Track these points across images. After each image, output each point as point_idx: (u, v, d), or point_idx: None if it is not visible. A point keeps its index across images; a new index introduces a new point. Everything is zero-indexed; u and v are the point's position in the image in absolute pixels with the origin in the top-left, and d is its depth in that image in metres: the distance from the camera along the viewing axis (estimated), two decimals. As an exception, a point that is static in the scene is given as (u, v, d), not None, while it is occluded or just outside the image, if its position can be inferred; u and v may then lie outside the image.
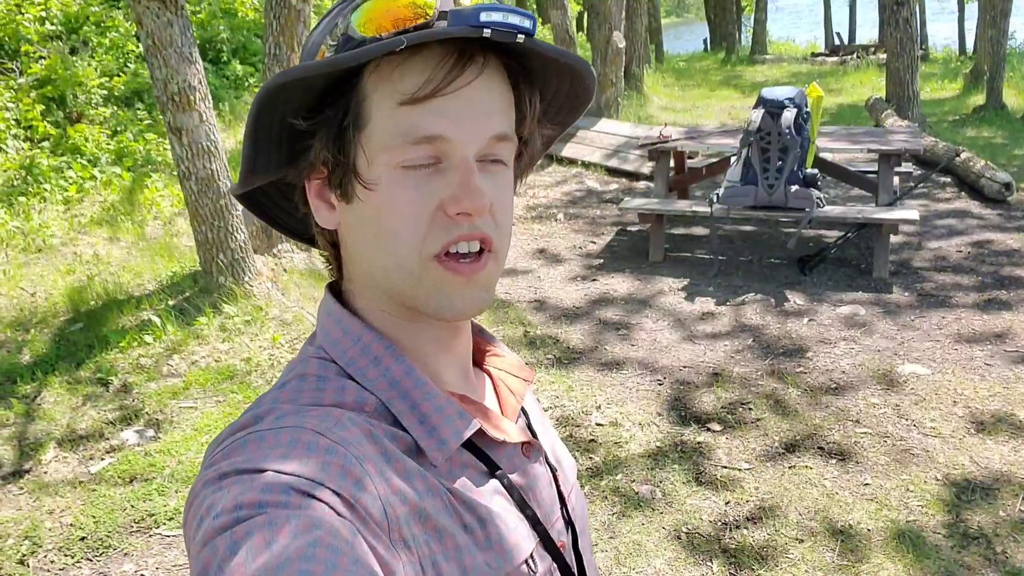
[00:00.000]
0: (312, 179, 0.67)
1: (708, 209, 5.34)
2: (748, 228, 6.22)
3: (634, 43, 12.60)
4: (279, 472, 0.54)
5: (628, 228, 6.42)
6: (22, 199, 5.93)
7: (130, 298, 4.79)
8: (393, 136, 0.61)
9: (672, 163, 6.36)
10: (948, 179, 7.28)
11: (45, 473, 3.30)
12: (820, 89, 5.30)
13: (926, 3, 23.29)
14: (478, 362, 0.79)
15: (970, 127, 10.09)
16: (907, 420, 3.45)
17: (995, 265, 5.20)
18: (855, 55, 19.56)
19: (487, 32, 0.59)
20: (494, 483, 0.68)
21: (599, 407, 3.70)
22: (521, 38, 0.60)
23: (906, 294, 4.81)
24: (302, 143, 0.65)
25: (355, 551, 0.50)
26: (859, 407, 3.57)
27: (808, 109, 5.19)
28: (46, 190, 6.16)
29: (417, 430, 0.65)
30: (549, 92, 0.71)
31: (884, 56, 13.02)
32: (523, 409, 0.80)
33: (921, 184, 6.82)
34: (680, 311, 4.76)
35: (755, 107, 5.24)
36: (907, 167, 6.46)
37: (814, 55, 22.10)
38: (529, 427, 0.79)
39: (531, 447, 0.73)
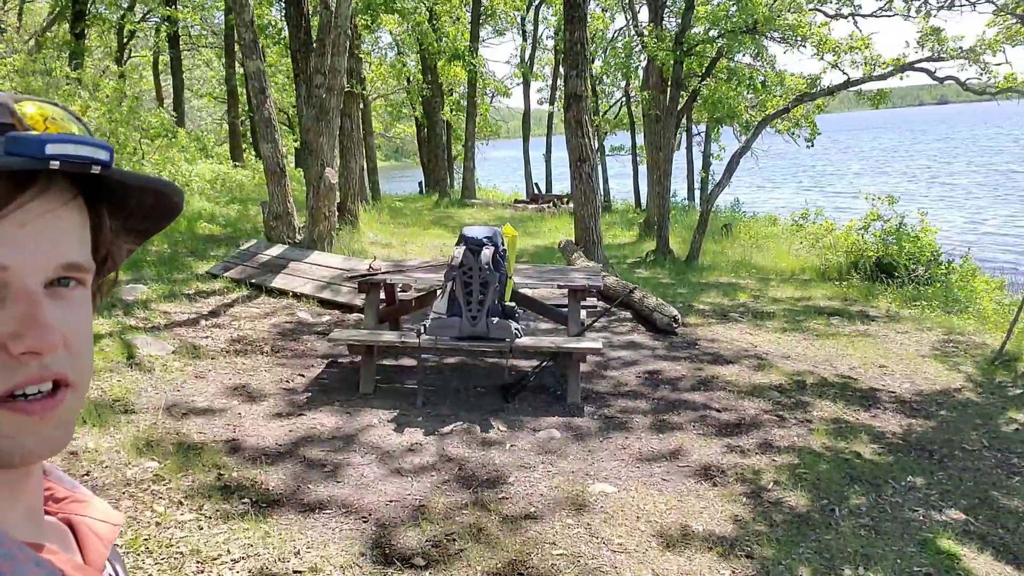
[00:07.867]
0: None
1: (416, 340, 5.44)
2: (455, 359, 6.41)
3: (349, 181, 12.92)
4: None
5: (339, 360, 6.30)
6: None
7: None
8: None
9: (383, 295, 6.45)
10: (628, 313, 8.18)
11: None
12: (513, 230, 5.77)
13: (607, 161, 26.97)
14: (53, 511, 0.69)
15: (644, 268, 11.56)
16: (597, 538, 3.62)
17: (665, 390, 5.84)
18: (551, 204, 21.91)
19: (55, 164, 0.54)
20: None
21: (298, 552, 3.44)
22: (97, 169, 0.57)
23: (594, 418, 5.19)
24: None
25: None
26: (555, 529, 3.70)
27: (504, 247, 5.59)
28: None
29: None
30: (131, 204, 0.66)
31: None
32: (111, 561, 0.71)
33: (604, 317, 7.57)
34: (388, 444, 4.68)
35: (457, 244, 5.54)
36: (592, 301, 7.16)
37: (517, 202, 24.45)
38: None
39: None
